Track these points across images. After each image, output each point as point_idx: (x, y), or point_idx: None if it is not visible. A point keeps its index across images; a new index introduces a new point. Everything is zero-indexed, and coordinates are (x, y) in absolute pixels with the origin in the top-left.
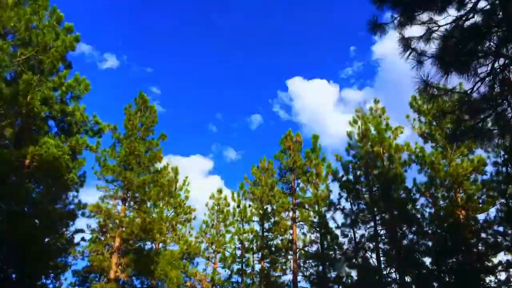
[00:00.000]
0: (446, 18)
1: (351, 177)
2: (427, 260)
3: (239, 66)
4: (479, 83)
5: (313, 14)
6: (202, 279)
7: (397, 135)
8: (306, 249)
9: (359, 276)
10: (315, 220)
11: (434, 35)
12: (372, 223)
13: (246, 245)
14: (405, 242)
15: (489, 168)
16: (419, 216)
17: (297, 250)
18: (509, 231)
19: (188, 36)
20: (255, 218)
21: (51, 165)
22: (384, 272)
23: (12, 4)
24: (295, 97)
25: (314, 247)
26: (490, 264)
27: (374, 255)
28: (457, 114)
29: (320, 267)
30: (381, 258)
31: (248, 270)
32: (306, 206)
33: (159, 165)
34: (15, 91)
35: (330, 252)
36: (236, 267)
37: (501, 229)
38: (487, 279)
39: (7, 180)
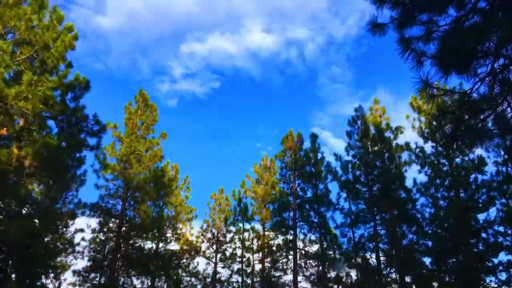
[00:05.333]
0: (445, 19)
1: (350, 177)
2: (427, 260)
3: None
4: (479, 83)
5: None
6: (202, 279)
7: (397, 135)
8: (306, 249)
9: (359, 276)
10: (315, 220)
11: (434, 35)
12: (371, 223)
13: (247, 245)
14: (405, 242)
15: (489, 168)
16: (419, 216)
17: (298, 250)
18: (509, 231)
19: None
20: (257, 218)
21: (51, 165)
22: (384, 272)
23: (12, 3)
24: None
25: (314, 247)
26: (490, 264)
27: (374, 255)
28: (457, 114)
29: (320, 267)
30: (381, 258)
31: (249, 270)
32: (307, 206)
33: (159, 164)
34: (16, 91)
35: (330, 252)
36: (236, 266)
37: (501, 229)
38: (487, 279)
39: (7, 180)
